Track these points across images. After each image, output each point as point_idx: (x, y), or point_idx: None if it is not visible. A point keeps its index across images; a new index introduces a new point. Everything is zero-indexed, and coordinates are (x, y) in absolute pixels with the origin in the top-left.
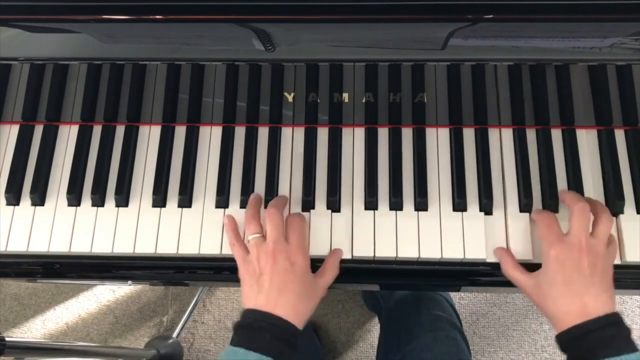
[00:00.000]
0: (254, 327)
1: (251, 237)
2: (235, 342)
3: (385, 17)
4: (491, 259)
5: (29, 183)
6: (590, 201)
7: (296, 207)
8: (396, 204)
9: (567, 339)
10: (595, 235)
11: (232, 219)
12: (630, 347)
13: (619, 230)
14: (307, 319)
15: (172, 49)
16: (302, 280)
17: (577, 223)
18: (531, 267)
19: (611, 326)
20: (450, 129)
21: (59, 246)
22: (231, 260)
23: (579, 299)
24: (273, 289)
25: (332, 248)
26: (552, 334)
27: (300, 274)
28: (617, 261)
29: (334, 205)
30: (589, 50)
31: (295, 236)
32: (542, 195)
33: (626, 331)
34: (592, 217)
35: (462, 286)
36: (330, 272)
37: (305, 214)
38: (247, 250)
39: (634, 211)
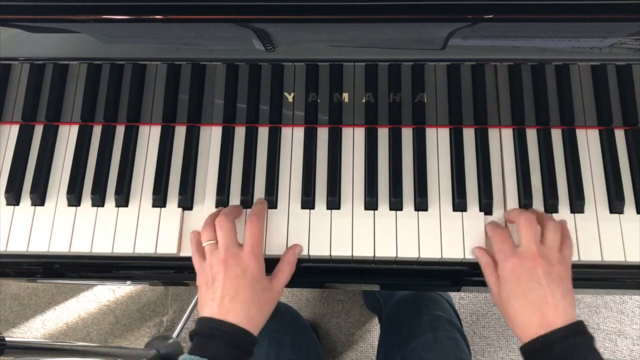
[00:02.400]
0: (207, 335)
1: (205, 243)
2: (190, 350)
3: (385, 17)
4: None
5: (29, 183)
6: (534, 212)
7: (296, 207)
8: (396, 204)
9: (530, 351)
10: (545, 243)
11: (196, 233)
12: (594, 356)
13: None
14: (264, 322)
15: (172, 49)
16: (254, 286)
17: (525, 233)
18: None
19: (573, 336)
20: (450, 129)
21: (59, 246)
22: None
23: (539, 310)
24: (225, 296)
25: (332, 248)
26: None
27: (252, 280)
28: (620, 260)
29: (334, 205)
30: (589, 50)
31: (249, 241)
32: (542, 195)
33: (589, 339)
34: (539, 228)
35: (462, 286)
36: (284, 272)
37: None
38: (204, 259)
39: (634, 211)
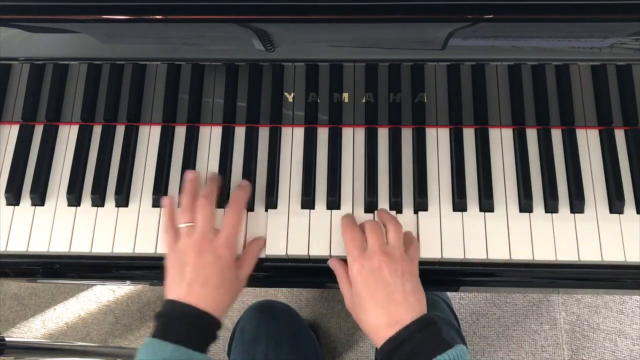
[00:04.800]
0: (172, 318)
1: (182, 225)
2: (153, 333)
3: (385, 17)
4: (492, 258)
5: (29, 183)
6: (379, 213)
7: (296, 207)
8: (396, 204)
9: (384, 355)
10: (389, 242)
11: (172, 202)
12: (442, 345)
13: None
14: (228, 309)
15: (172, 49)
16: (225, 274)
17: (370, 237)
18: (531, 266)
19: (421, 331)
20: (450, 129)
21: (59, 246)
22: None
23: (386, 309)
24: (196, 280)
25: (332, 248)
26: (552, 334)
27: (223, 267)
28: (620, 260)
29: (334, 205)
30: (589, 50)
31: (227, 230)
32: (542, 195)
33: (437, 331)
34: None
35: (460, 286)
36: (249, 263)
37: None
38: (177, 238)
39: (634, 211)
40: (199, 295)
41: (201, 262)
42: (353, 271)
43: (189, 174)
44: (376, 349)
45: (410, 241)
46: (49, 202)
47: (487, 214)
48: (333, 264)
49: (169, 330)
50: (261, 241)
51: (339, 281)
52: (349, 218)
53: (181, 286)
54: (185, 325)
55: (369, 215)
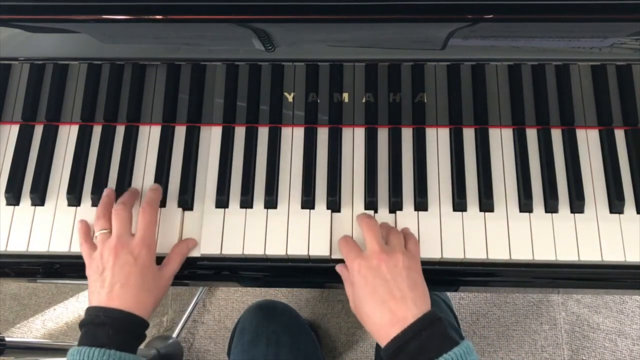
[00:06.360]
0: (96, 323)
1: (98, 233)
2: (79, 341)
3: (385, 17)
4: (492, 258)
5: (29, 183)
6: (383, 224)
7: (296, 207)
8: (396, 204)
9: (389, 354)
10: (389, 243)
11: (83, 222)
12: (449, 343)
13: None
14: (154, 308)
15: (172, 49)
16: (145, 273)
17: (368, 234)
18: (531, 266)
19: (426, 329)
20: (450, 129)
21: (59, 246)
22: (231, 260)
23: (387, 307)
24: (115, 283)
25: (332, 248)
26: (552, 334)
27: (142, 267)
28: (620, 260)
29: (334, 205)
30: (589, 50)
31: (141, 230)
32: (542, 195)
33: (442, 327)
34: (382, 232)
35: (460, 286)
36: (175, 261)
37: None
38: (94, 248)
39: (634, 211)
40: (120, 296)
41: (119, 263)
42: (353, 271)
43: (105, 191)
44: (377, 347)
45: (408, 237)
46: (49, 202)
47: (487, 214)
48: (339, 269)
49: (94, 336)
50: (190, 242)
51: (345, 284)
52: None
53: (102, 291)
54: (110, 328)
55: (369, 214)
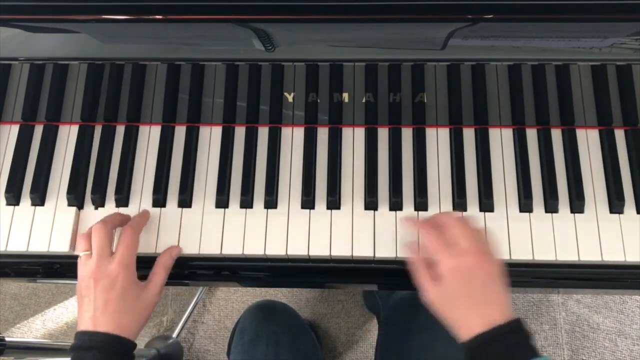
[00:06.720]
0: (83, 348)
1: (81, 254)
2: None
3: (385, 17)
4: None
5: (29, 183)
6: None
7: (296, 207)
8: (396, 204)
9: (473, 348)
10: (478, 239)
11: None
12: (532, 353)
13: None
14: (140, 327)
15: (172, 49)
16: (124, 297)
17: (459, 232)
18: (531, 266)
19: (513, 333)
20: (450, 129)
21: (59, 246)
22: (231, 260)
23: (482, 309)
24: (97, 309)
25: (332, 248)
26: (552, 334)
27: (121, 291)
28: (620, 260)
29: (334, 205)
30: (589, 50)
31: (119, 252)
32: (542, 195)
33: (527, 336)
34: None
35: None
36: (159, 275)
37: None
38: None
39: (634, 211)
40: (102, 322)
41: (97, 288)
42: (444, 269)
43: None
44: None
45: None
46: (49, 202)
47: (487, 214)
48: (416, 260)
49: (82, 359)
50: (174, 250)
51: (419, 277)
52: (418, 219)
53: (86, 316)
54: (97, 352)
55: (369, 215)
